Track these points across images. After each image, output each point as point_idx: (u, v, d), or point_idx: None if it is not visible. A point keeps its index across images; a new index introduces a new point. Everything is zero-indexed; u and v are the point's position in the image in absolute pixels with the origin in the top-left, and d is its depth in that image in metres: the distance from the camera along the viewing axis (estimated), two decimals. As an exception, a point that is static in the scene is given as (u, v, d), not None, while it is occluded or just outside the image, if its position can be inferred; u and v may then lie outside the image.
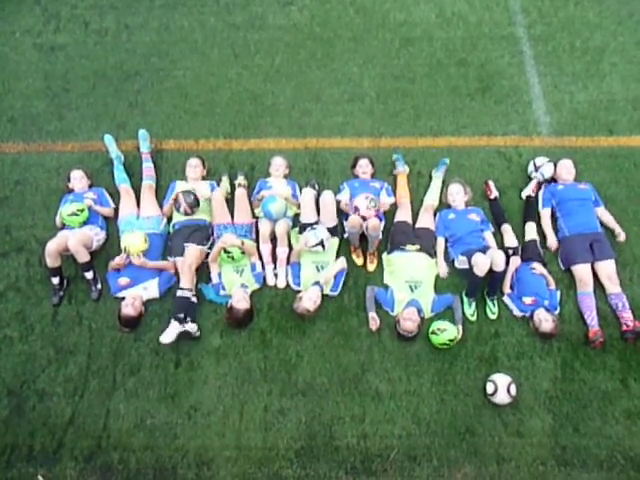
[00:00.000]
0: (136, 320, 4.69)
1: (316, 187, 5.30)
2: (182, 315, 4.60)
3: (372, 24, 6.37)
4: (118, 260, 4.82)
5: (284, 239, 4.99)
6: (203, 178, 5.37)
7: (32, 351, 4.71)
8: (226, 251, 4.83)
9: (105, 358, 4.69)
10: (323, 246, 4.81)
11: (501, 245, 5.04)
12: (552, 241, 5.06)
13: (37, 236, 5.14)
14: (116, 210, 5.24)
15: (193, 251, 4.89)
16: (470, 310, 4.81)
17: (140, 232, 4.91)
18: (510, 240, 5.04)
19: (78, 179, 5.22)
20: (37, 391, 4.58)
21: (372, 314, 4.76)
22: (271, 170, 5.36)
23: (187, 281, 4.74)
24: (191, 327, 4.62)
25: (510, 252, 4.92)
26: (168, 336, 4.56)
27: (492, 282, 4.76)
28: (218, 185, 5.31)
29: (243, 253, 4.91)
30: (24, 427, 4.46)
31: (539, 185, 5.30)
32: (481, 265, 4.61)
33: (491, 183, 5.33)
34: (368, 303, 4.82)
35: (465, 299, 4.84)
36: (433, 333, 4.60)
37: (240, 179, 5.31)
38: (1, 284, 4.97)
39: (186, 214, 5.02)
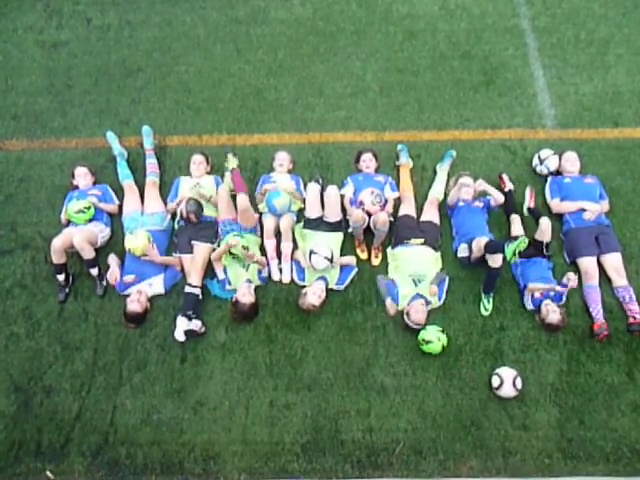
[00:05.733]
0: (142, 316, 4.70)
1: (320, 182, 5.29)
2: (191, 312, 4.62)
3: (375, 17, 6.34)
4: (110, 278, 4.84)
5: (288, 234, 4.99)
6: (208, 173, 5.37)
7: (39, 347, 4.74)
8: (231, 252, 4.83)
9: (111, 354, 4.71)
10: (331, 260, 4.80)
11: (508, 234, 5.05)
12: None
13: (42, 233, 5.15)
14: (120, 207, 5.24)
15: (203, 249, 4.91)
16: (488, 305, 4.80)
17: (143, 232, 4.86)
18: (517, 229, 5.03)
19: (82, 176, 5.23)
20: (44, 387, 4.60)
21: (388, 300, 4.74)
22: (275, 165, 5.34)
23: (197, 279, 4.77)
24: (195, 324, 4.64)
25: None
26: (180, 334, 4.61)
27: (489, 278, 4.76)
28: (222, 179, 5.31)
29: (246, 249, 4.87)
30: (32, 423, 4.49)
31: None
32: (495, 257, 4.59)
33: (505, 176, 5.31)
34: (382, 290, 4.81)
35: (482, 296, 4.83)
36: (425, 342, 4.61)
37: (230, 159, 5.27)
38: (7, 281, 5.00)
39: (195, 221, 4.98)
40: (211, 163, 5.40)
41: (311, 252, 4.81)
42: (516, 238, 4.65)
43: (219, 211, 5.10)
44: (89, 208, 4.99)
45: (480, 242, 4.63)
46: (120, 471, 4.34)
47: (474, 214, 5.03)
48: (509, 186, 5.26)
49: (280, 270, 4.97)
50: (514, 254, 4.56)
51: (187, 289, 4.74)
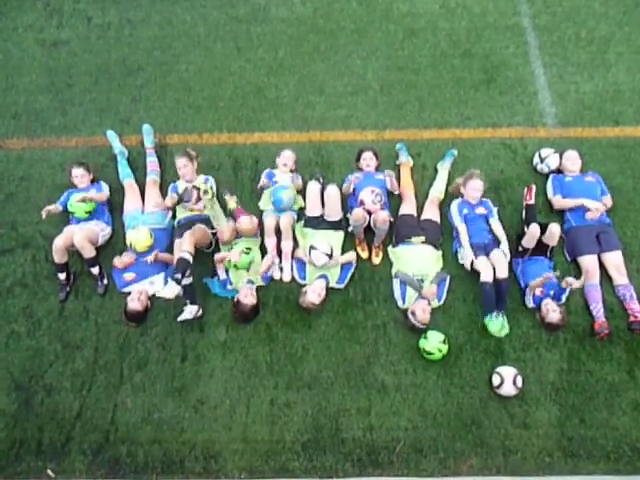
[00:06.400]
0: (142, 314, 4.70)
1: (320, 180, 5.27)
2: (179, 276, 4.52)
3: (375, 15, 6.33)
4: (126, 259, 4.84)
5: (289, 232, 4.99)
6: (197, 173, 5.29)
7: (39, 346, 4.75)
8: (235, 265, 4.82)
9: (112, 352, 4.71)
10: (331, 257, 4.82)
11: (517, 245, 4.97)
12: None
13: (43, 232, 5.16)
14: (121, 205, 5.23)
15: (199, 228, 4.87)
16: (496, 326, 4.66)
17: (145, 228, 4.92)
18: (528, 242, 4.83)
19: (79, 177, 5.17)
20: (45, 386, 4.61)
21: (425, 288, 4.71)
22: (279, 162, 5.28)
23: (188, 245, 4.63)
24: (190, 310, 4.62)
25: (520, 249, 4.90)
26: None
27: (499, 294, 4.68)
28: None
29: (248, 253, 4.85)
30: (32, 422, 4.50)
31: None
32: (484, 272, 4.64)
33: (534, 189, 5.12)
34: (408, 281, 4.77)
35: (486, 318, 4.71)
36: (425, 353, 4.60)
37: (229, 199, 5.18)
38: (8, 280, 5.00)
39: (197, 202, 4.97)
40: (199, 160, 5.31)
41: (311, 247, 4.82)
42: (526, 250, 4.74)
43: (220, 240, 5.03)
44: (91, 199, 5.00)
45: (482, 272, 4.67)
46: (121, 470, 4.35)
47: (475, 220, 4.97)
48: (532, 201, 5.08)
49: (281, 269, 4.97)
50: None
51: (179, 254, 4.64)
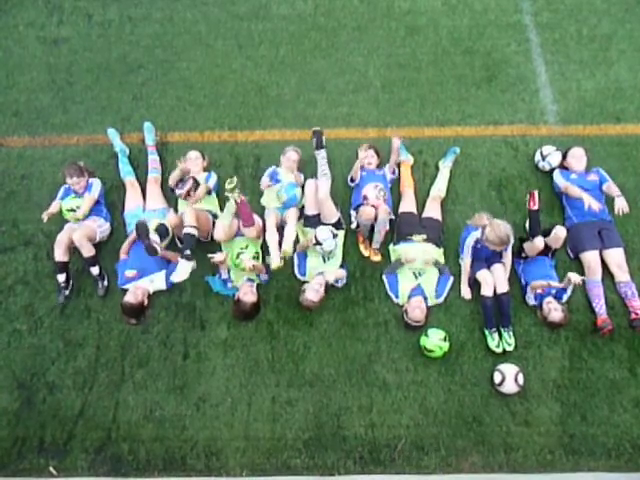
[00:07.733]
0: (136, 309, 4.62)
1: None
2: (189, 252, 4.60)
3: (377, 13, 6.31)
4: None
5: (294, 221, 4.93)
6: (204, 170, 5.31)
7: (41, 344, 4.76)
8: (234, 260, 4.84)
9: (114, 350, 4.72)
10: (334, 235, 4.79)
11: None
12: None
13: (44, 230, 5.15)
14: (122, 203, 5.23)
15: (202, 211, 4.89)
16: (494, 342, 4.64)
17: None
18: (531, 251, 4.80)
19: (75, 184, 5.07)
20: (47, 384, 4.62)
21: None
22: (284, 161, 5.25)
23: (191, 219, 4.69)
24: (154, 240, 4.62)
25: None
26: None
27: (502, 309, 4.67)
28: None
29: (257, 258, 4.89)
30: (34, 419, 4.51)
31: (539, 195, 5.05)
32: (485, 285, 4.66)
33: (536, 193, 4.80)
34: (393, 267, 4.87)
35: (486, 332, 4.69)
36: (426, 350, 4.59)
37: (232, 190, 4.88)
38: (9, 278, 5.01)
39: (184, 198, 5.00)
40: (207, 160, 5.36)
41: (321, 224, 4.87)
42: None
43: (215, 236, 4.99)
44: (79, 207, 4.97)
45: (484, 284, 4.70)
46: (123, 467, 4.36)
47: (486, 250, 4.83)
48: (536, 207, 4.82)
49: (281, 259, 4.77)
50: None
51: (184, 230, 4.69)
